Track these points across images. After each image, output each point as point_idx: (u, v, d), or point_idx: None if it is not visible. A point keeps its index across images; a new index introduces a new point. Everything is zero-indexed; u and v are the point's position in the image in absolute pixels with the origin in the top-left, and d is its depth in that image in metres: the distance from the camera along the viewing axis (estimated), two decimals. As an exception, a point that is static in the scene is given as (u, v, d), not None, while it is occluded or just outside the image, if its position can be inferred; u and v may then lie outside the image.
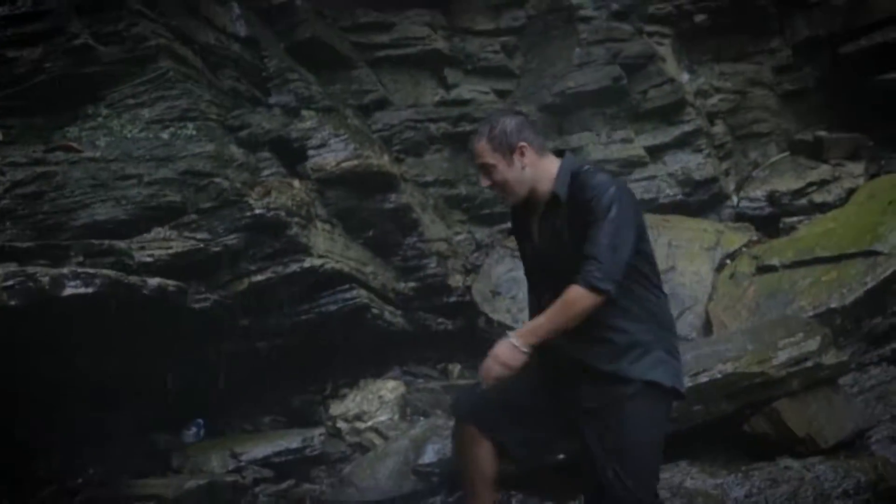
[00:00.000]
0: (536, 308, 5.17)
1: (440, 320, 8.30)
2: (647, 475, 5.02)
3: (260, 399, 7.68)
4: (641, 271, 5.08)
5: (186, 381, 7.18)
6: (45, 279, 6.00)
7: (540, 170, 5.09)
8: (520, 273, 8.04)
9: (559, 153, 5.17)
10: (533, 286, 5.34)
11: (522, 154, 5.07)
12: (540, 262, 5.21)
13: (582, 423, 5.03)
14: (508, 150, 5.10)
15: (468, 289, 8.31)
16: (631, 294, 5.03)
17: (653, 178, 9.17)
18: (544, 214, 5.13)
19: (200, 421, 7.48)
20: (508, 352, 4.90)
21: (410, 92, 9.07)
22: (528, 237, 5.27)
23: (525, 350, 4.88)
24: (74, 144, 6.70)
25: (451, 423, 7.05)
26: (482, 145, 5.13)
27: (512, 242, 8.43)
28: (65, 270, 6.18)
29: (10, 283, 5.89)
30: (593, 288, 4.86)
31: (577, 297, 4.88)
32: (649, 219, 8.61)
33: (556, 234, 5.09)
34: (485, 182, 5.14)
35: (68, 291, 6.10)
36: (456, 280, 8.29)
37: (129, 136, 6.93)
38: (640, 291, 5.08)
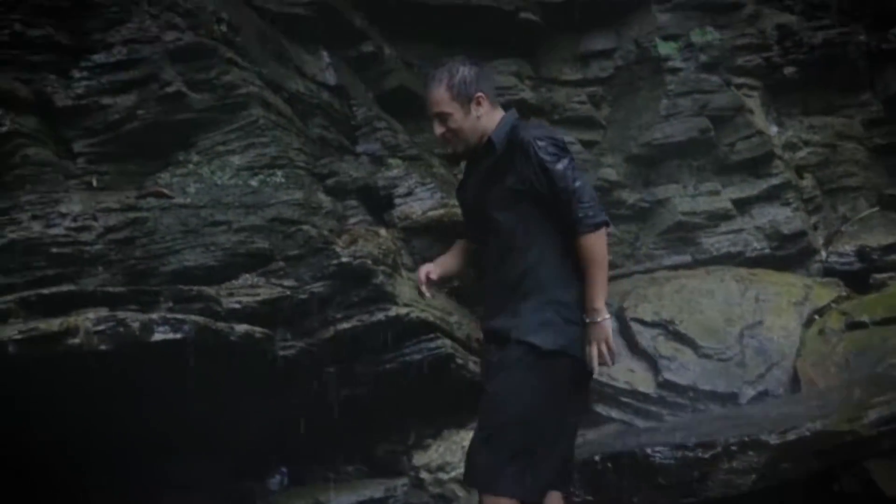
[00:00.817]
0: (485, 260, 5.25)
1: (525, 370, 8.23)
2: (497, 459, 4.91)
3: (343, 447, 7.65)
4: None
5: (271, 427, 7.18)
6: (136, 324, 6.06)
7: (492, 120, 5.15)
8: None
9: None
10: (474, 238, 5.42)
11: (479, 104, 5.12)
12: (474, 209, 5.27)
13: None
14: (466, 98, 5.14)
15: (552, 340, 8.24)
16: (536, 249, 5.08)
17: (740, 231, 9.08)
18: (481, 162, 5.19)
19: (284, 469, 7.48)
20: (609, 328, 5.00)
21: (496, 142, 9.06)
22: (465, 188, 5.35)
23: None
24: (166, 191, 6.76)
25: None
26: (440, 93, 5.15)
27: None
28: (154, 316, 6.23)
29: (101, 327, 5.97)
30: (597, 226, 4.95)
31: (594, 243, 4.94)
32: (736, 272, 8.59)
33: (488, 180, 5.13)
34: (438, 130, 5.17)
35: (157, 337, 6.16)
36: (539, 332, 8.23)
37: (218, 182, 6.99)
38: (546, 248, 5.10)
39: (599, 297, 4.96)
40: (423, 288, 5.33)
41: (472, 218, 5.31)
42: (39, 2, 6.50)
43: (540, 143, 5.00)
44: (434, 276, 5.36)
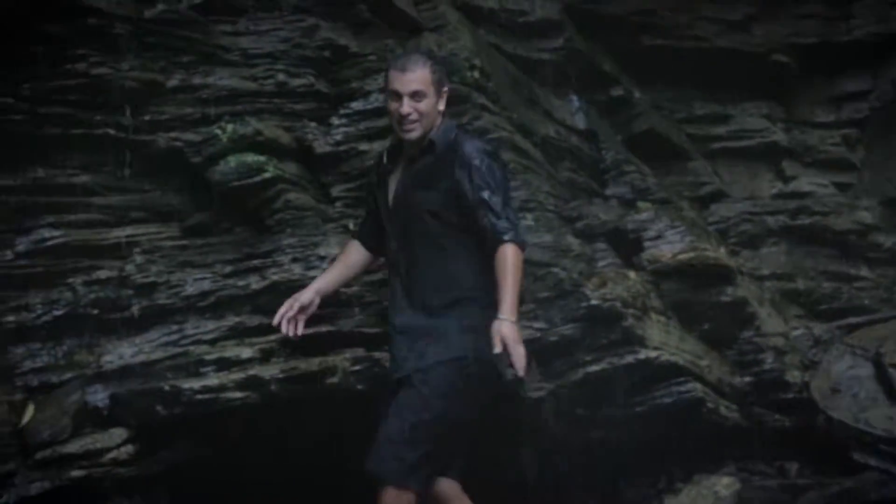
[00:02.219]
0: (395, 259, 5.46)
1: (776, 417, 8.06)
2: (415, 455, 5.19)
3: (593, 489, 7.63)
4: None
5: (519, 469, 7.23)
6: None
7: (438, 121, 5.35)
8: (861, 371, 7.90)
9: None
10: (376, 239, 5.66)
11: (444, 97, 5.34)
12: (398, 207, 5.37)
13: None
14: (440, 87, 5.34)
15: (806, 385, 8.06)
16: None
17: None
18: (415, 160, 5.33)
19: (534, 507, 7.52)
20: (517, 330, 5.25)
21: (747, 184, 8.98)
22: (386, 185, 5.51)
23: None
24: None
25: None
26: (423, 72, 5.32)
27: (853, 339, 8.18)
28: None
29: (357, 367, 6.14)
30: (521, 244, 5.34)
31: (515, 254, 5.28)
32: None
33: (424, 182, 5.28)
34: (408, 107, 5.23)
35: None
36: (793, 376, 8.06)
37: (470, 226, 7.11)
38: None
39: (516, 303, 5.29)
40: (283, 327, 5.56)
41: (395, 217, 5.42)
42: (303, 53, 6.76)
43: (481, 156, 5.34)
44: (292, 313, 5.63)
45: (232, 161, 6.40)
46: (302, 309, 5.70)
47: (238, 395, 5.80)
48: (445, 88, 5.44)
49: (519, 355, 5.22)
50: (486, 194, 5.32)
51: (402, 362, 5.41)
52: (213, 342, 6.28)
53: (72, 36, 6.05)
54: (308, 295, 5.70)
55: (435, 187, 5.32)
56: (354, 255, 5.83)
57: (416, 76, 5.27)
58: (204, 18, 6.52)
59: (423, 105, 5.27)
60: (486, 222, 5.31)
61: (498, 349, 5.19)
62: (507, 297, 5.25)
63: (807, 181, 8.92)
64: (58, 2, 5.96)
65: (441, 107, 5.41)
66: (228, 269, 6.42)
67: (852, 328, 8.35)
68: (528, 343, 6.70)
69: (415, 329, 5.38)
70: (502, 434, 6.94)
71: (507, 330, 5.21)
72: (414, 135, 5.33)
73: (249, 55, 6.68)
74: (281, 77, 6.71)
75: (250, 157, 6.41)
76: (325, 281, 5.82)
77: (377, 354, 6.21)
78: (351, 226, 6.70)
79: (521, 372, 5.21)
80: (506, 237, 5.30)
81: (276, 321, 5.63)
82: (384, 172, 5.56)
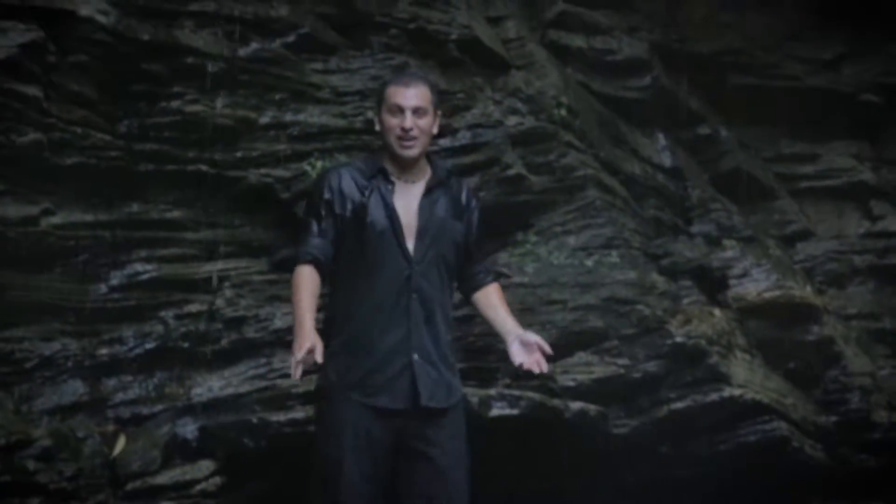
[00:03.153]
0: (378, 290, 5.09)
1: (862, 456, 8.00)
2: None
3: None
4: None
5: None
6: (475, 399, 6.26)
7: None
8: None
9: None
10: (369, 263, 5.12)
11: (437, 122, 5.23)
12: (429, 230, 5.17)
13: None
14: (436, 108, 5.22)
15: (893, 425, 7.99)
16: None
17: None
18: (415, 185, 5.21)
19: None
20: None
21: (834, 223, 8.93)
22: (384, 201, 5.15)
23: None
24: (505, 271, 6.96)
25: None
26: (425, 89, 5.18)
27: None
28: (492, 392, 6.42)
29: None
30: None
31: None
32: None
33: (453, 211, 5.23)
34: (410, 122, 5.07)
35: (495, 412, 6.35)
36: (880, 416, 7.99)
37: (555, 262, 7.14)
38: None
39: None
40: (298, 371, 4.89)
41: (422, 239, 5.16)
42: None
43: (476, 197, 5.45)
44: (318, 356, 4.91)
45: (321, 197, 6.48)
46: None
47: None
48: (440, 112, 5.37)
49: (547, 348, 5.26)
50: (482, 238, 5.51)
51: (430, 393, 5.14)
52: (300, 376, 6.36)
53: (169, 74, 6.17)
54: (313, 340, 4.95)
55: (459, 219, 5.30)
56: (316, 284, 5.15)
57: (419, 92, 5.15)
58: (296, 57, 6.62)
59: (424, 122, 5.14)
60: (479, 265, 5.49)
61: (545, 349, 5.24)
62: (512, 318, 5.39)
63: (894, 221, 8.85)
64: (157, 42, 6.08)
65: (435, 130, 5.31)
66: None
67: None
68: (613, 379, 6.81)
69: (429, 362, 5.16)
70: (588, 472, 6.95)
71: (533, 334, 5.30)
72: (413, 152, 5.14)
73: (339, 93, 6.76)
74: (370, 114, 6.75)
75: (339, 193, 6.47)
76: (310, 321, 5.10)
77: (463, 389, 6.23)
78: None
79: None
80: (494, 278, 5.55)
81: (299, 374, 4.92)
82: (375, 187, 5.18)
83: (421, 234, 5.17)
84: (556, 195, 7.24)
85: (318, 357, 4.82)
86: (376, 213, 5.14)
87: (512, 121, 7.14)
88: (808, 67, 8.91)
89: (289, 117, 6.58)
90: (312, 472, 5.18)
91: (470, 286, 5.48)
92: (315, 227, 5.18)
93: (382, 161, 5.24)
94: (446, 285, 5.29)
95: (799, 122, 8.93)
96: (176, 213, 6.34)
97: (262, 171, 6.50)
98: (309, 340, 4.84)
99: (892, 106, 9.06)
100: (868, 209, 8.94)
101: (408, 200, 5.20)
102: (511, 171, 7.04)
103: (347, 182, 5.18)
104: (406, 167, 5.21)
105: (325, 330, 5.18)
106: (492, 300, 5.42)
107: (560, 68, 7.72)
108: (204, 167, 6.34)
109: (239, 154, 6.44)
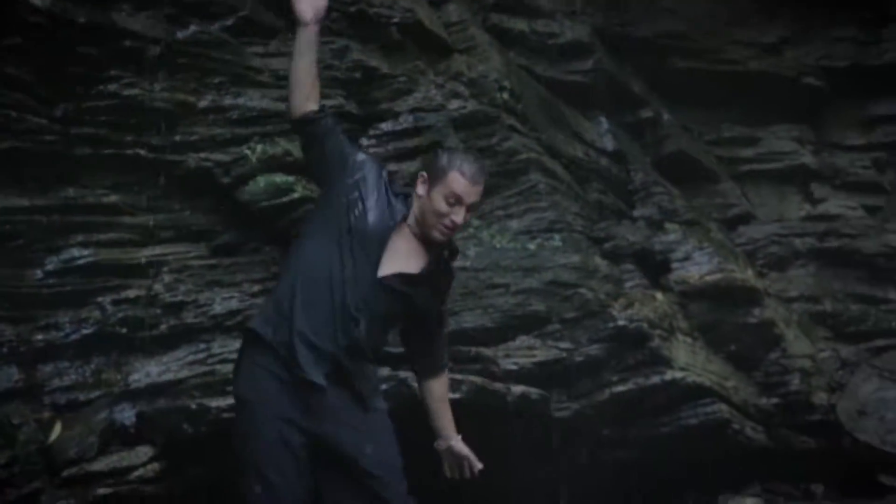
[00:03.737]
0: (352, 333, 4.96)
1: (803, 438, 8.08)
2: None
3: (618, 510, 7.68)
4: None
5: (545, 487, 7.25)
6: (416, 384, 6.23)
7: None
8: (888, 393, 7.90)
9: None
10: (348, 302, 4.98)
11: None
12: (412, 285, 5.05)
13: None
14: None
15: (833, 407, 8.08)
16: None
17: None
18: (431, 263, 5.09)
19: (557, 528, 7.55)
20: None
21: (775, 206, 9.00)
22: (382, 222, 5.01)
23: None
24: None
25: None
26: (482, 188, 5.06)
27: (880, 361, 8.19)
28: (434, 375, 6.41)
29: (384, 386, 6.13)
30: None
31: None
32: None
33: (435, 284, 5.14)
34: (461, 217, 4.97)
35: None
36: (820, 398, 8.08)
37: (498, 246, 7.14)
38: None
39: None
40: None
41: (397, 285, 5.04)
42: (333, 75, 6.80)
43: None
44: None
45: (261, 181, 6.43)
46: None
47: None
48: None
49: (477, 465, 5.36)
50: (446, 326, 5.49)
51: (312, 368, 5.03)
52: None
53: (105, 57, 6.09)
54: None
55: (432, 292, 5.21)
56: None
57: (479, 190, 5.04)
58: (235, 40, 6.55)
59: (469, 216, 5.11)
60: (441, 349, 5.41)
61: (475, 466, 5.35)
62: (451, 419, 5.43)
63: (835, 204, 8.93)
64: (94, 25, 6.01)
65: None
66: (256, 288, 6.45)
67: (880, 350, 8.39)
68: (555, 363, 6.82)
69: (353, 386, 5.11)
70: (530, 455, 6.97)
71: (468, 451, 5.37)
72: (446, 239, 5.07)
73: (280, 76, 6.69)
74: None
75: (279, 178, 6.44)
76: None
77: (402, 373, 6.23)
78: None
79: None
80: (446, 366, 5.48)
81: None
82: (394, 211, 5.08)
83: (384, 281, 5.02)
84: (499, 179, 7.21)
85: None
86: (376, 220, 5.02)
87: (454, 104, 7.12)
88: (750, 51, 8.98)
89: (228, 101, 6.51)
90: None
91: (426, 368, 5.42)
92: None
93: (407, 209, 5.10)
94: (378, 346, 5.23)
95: (741, 105, 8.99)
96: (113, 198, 6.26)
97: (202, 155, 6.43)
98: None
99: (834, 90, 9.15)
100: (809, 192, 9.02)
101: (400, 261, 5.05)
102: (453, 156, 7.01)
103: (380, 184, 5.10)
104: (425, 239, 5.08)
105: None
106: (439, 392, 5.43)
107: (502, 52, 7.71)
108: (142, 151, 6.26)
109: (177, 138, 6.37)
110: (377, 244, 4.99)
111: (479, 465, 5.30)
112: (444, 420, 5.38)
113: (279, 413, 4.96)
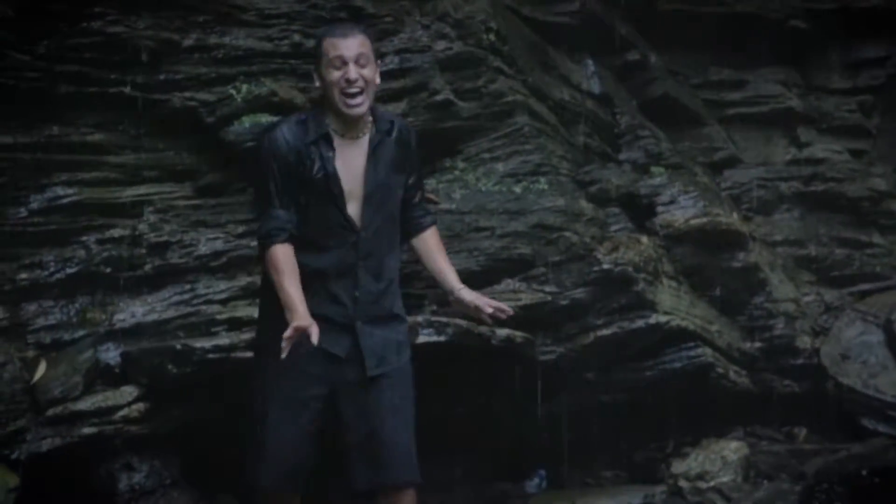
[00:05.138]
0: (344, 250, 5.01)
1: (786, 382, 8.11)
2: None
3: (601, 453, 7.69)
4: None
5: (530, 431, 7.28)
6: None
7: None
8: (872, 337, 7.92)
9: None
10: (314, 233, 5.01)
11: (378, 73, 5.06)
12: (376, 192, 5.04)
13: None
14: (376, 58, 5.06)
15: (816, 351, 8.10)
16: None
17: None
18: (374, 140, 5.01)
19: (543, 472, 7.55)
20: None
21: (761, 150, 8.97)
22: (332, 164, 4.97)
23: None
24: (432, 196, 6.92)
25: (792, 486, 6.96)
26: (365, 38, 4.98)
27: (864, 306, 8.21)
28: (419, 318, 6.39)
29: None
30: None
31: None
32: None
33: (396, 166, 5.08)
34: (354, 73, 4.86)
35: (422, 339, 6.29)
36: (804, 342, 8.09)
37: (483, 189, 7.12)
38: None
39: None
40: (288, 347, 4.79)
41: (369, 203, 5.03)
42: (319, 14, 6.75)
43: (417, 140, 5.31)
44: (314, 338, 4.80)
45: (246, 121, 6.41)
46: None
47: (249, 354, 5.73)
48: (379, 62, 5.15)
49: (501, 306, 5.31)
50: (421, 178, 5.48)
51: (380, 358, 5.11)
52: (224, 302, 6.32)
53: (89, -6, 6.05)
54: (309, 319, 4.86)
55: (403, 172, 5.17)
56: (295, 263, 4.99)
57: (359, 41, 4.94)
58: (221, -22, 6.51)
59: (368, 72, 4.93)
60: (419, 206, 5.37)
61: (491, 307, 5.27)
62: (452, 269, 5.39)
63: (821, 147, 8.91)
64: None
65: (378, 80, 5.08)
66: (241, 229, 6.45)
67: (864, 295, 8.43)
68: (540, 306, 6.81)
69: (377, 324, 5.13)
70: (515, 398, 6.98)
71: (476, 295, 5.32)
72: (361, 109, 4.95)
73: (265, 15, 6.66)
74: (296, 38, 6.69)
75: (264, 118, 6.41)
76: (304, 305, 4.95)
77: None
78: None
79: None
80: (432, 220, 5.44)
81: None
82: (317, 154, 4.99)
83: (368, 199, 5.04)
84: (485, 121, 7.20)
85: (314, 339, 4.76)
86: (319, 184, 4.98)
87: (440, 45, 7.08)
88: (736, -7, 8.93)
89: (213, 40, 6.48)
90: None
91: (408, 229, 5.36)
92: (276, 199, 4.99)
93: (325, 119, 5.04)
94: (395, 240, 5.25)
95: (727, 48, 8.94)
96: (98, 137, 6.25)
97: (187, 94, 6.42)
98: (306, 321, 4.77)
99: (820, 32, 9.10)
100: (795, 136, 8.99)
101: (353, 163, 5.02)
102: (439, 97, 6.99)
103: (290, 148, 4.98)
104: (351, 124, 5.02)
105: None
106: (431, 246, 5.37)
107: (489, -7, 7.65)
108: (126, 90, 6.24)
109: (162, 77, 6.35)
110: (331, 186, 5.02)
111: (504, 307, 5.29)
112: (447, 273, 5.33)
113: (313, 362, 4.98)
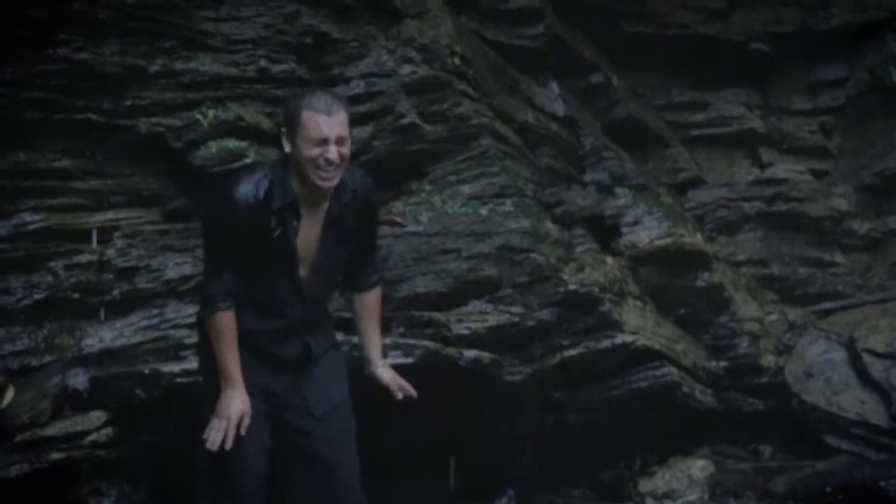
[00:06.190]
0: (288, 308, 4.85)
1: (751, 400, 8.17)
2: None
3: (569, 472, 7.71)
4: None
5: (498, 451, 7.30)
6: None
7: None
8: (835, 355, 7.99)
9: None
10: (263, 292, 4.83)
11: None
12: (325, 261, 4.86)
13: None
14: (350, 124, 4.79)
15: (780, 369, 8.16)
16: None
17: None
18: (330, 207, 4.77)
19: (511, 492, 7.55)
20: None
21: (724, 171, 9.08)
22: (290, 230, 4.72)
23: None
24: (399, 219, 6.96)
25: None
26: (346, 115, 4.69)
27: (827, 324, 8.28)
28: (387, 341, 6.40)
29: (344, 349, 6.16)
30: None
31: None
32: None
33: (344, 232, 4.85)
34: (335, 155, 4.58)
35: (389, 361, 6.27)
36: (768, 360, 8.16)
37: (449, 211, 7.16)
38: None
39: None
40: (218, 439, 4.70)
41: (317, 270, 4.86)
42: (284, 40, 6.79)
43: (379, 198, 5.23)
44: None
45: (213, 146, 6.44)
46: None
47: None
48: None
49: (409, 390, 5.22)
50: (376, 238, 5.33)
51: (325, 397, 5.02)
52: (192, 326, 6.28)
53: (55, 21, 6.04)
54: (247, 402, 4.79)
55: (351, 235, 4.96)
56: (234, 329, 4.84)
57: (341, 119, 4.65)
58: (186, 4, 6.54)
59: (346, 150, 4.66)
60: (371, 266, 5.19)
61: (401, 393, 5.17)
62: (379, 342, 5.31)
63: (783, 168, 9.02)
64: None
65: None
66: (209, 253, 6.45)
67: (826, 313, 8.49)
68: (506, 327, 6.84)
69: (318, 363, 5.05)
70: (483, 419, 7.00)
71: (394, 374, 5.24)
72: (333, 183, 4.68)
73: (231, 41, 6.70)
74: (262, 63, 6.74)
75: (231, 143, 6.45)
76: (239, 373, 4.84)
77: (355, 339, 6.22)
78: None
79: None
80: (378, 279, 5.26)
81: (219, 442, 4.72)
82: (282, 222, 4.74)
83: (317, 269, 4.87)
84: (450, 144, 7.25)
85: (246, 424, 4.71)
86: (276, 251, 4.76)
87: (406, 70, 7.14)
88: (698, 16, 9.03)
89: (179, 65, 6.51)
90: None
91: (354, 282, 5.21)
92: (227, 260, 4.77)
93: (291, 184, 4.73)
94: (333, 289, 5.24)
95: (690, 70, 9.04)
96: (65, 163, 6.25)
97: (153, 119, 6.44)
98: (243, 404, 4.72)
99: (781, 54, 9.22)
100: (757, 157, 9.10)
101: (308, 232, 4.80)
102: (405, 121, 7.06)
103: (251, 213, 4.67)
104: (317, 194, 4.73)
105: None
106: (368, 308, 5.25)
107: (453, 17, 7.70)
108: (93, 116, 6.25)
109: (128, 103, 6.36)
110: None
111: (410, 389, 5.15)
112: (371, 344, 5.24)
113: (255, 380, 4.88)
